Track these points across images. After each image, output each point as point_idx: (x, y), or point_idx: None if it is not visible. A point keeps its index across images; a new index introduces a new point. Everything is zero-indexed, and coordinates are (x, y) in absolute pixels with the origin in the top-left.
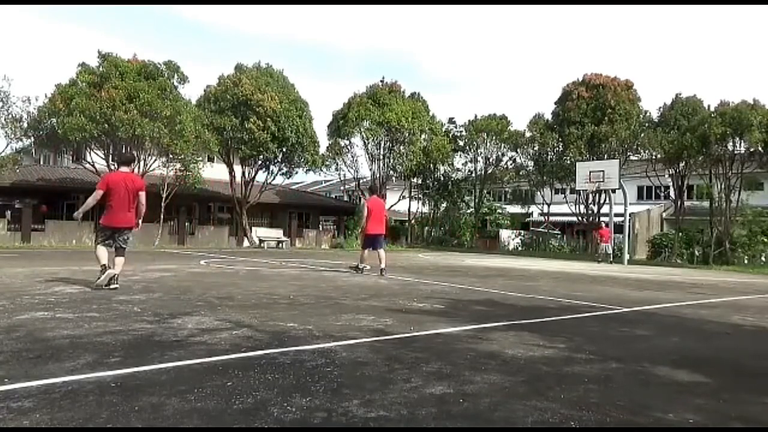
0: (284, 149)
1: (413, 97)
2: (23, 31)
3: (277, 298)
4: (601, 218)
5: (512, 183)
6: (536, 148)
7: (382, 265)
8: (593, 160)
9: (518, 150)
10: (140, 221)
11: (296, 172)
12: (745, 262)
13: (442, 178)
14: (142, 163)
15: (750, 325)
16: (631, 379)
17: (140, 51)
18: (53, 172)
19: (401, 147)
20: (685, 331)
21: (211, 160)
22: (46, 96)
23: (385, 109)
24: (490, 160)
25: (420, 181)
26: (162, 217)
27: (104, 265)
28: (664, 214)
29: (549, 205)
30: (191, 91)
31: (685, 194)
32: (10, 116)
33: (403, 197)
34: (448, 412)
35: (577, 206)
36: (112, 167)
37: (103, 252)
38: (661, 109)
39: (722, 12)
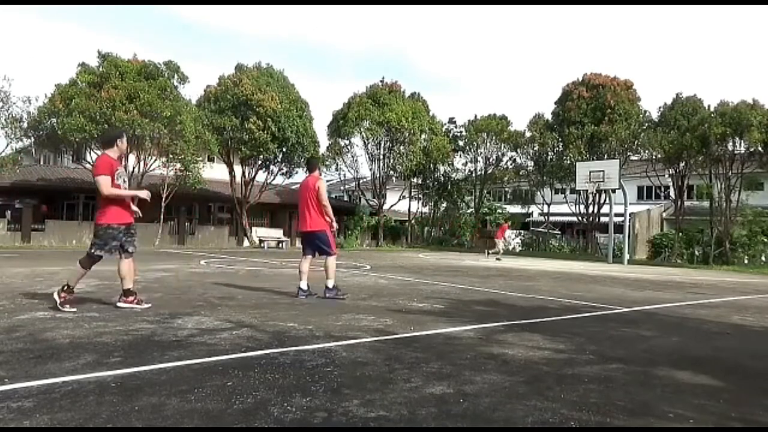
0: (284, 149)
1: (413, 97)
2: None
3: (277, 299)
4: (601, 218)
5: (512, 183)
6: (536, 148)
7: None
8: (593, 160)
9: (518, 150)
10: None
11: (296, 172)
12: (745, 262)
13: (442, 178)
14: (141, 163)
15: (750, 325)
16: (631, 378)
17: (140, 51)
18: (53, 172)
19: (401, 147)
20: (685, 331)
21: (211, 160)
22: (46, 96)
23: (385, 109)
24: (490, 160)
25: (420, 181)
26: (162, 217)
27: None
28: (664, 214)
29: (549, 205)
30: (191, 91)
31: (685, 194)
32: (10, 116)
33: (403, 197)
34: (448, 412)
35: (577, 206)
36: None
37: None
38: (661, 109)
39: (722, 12)
